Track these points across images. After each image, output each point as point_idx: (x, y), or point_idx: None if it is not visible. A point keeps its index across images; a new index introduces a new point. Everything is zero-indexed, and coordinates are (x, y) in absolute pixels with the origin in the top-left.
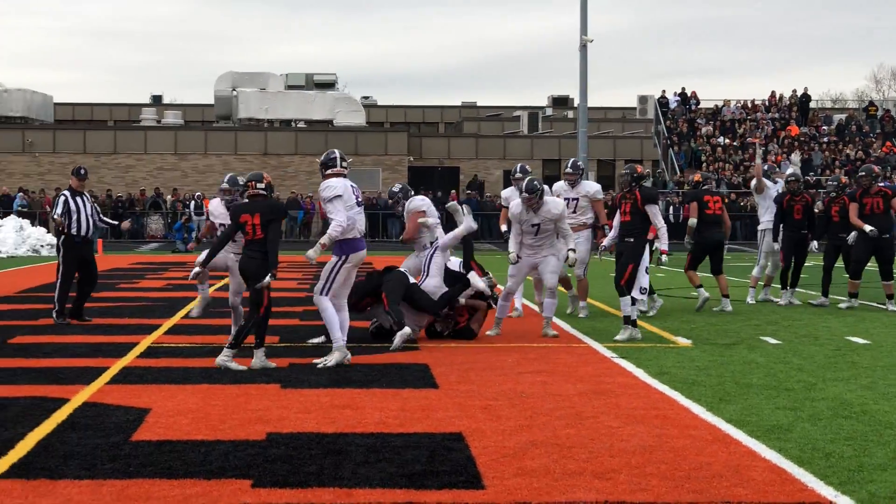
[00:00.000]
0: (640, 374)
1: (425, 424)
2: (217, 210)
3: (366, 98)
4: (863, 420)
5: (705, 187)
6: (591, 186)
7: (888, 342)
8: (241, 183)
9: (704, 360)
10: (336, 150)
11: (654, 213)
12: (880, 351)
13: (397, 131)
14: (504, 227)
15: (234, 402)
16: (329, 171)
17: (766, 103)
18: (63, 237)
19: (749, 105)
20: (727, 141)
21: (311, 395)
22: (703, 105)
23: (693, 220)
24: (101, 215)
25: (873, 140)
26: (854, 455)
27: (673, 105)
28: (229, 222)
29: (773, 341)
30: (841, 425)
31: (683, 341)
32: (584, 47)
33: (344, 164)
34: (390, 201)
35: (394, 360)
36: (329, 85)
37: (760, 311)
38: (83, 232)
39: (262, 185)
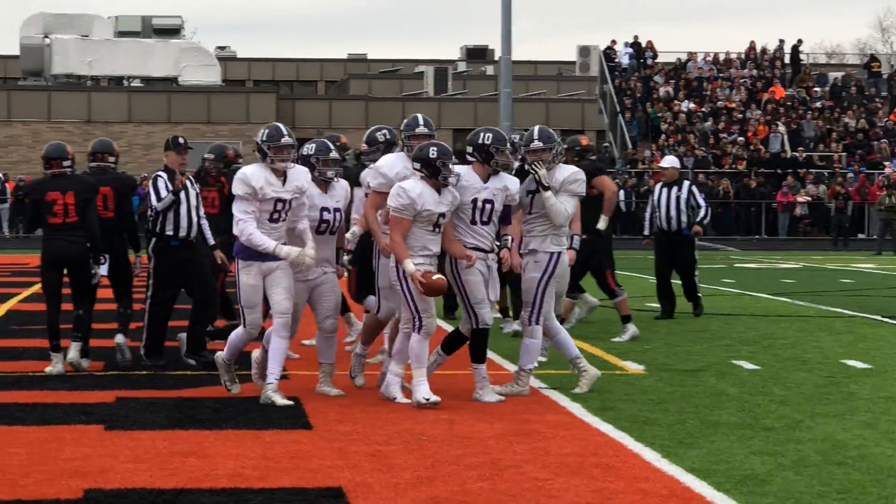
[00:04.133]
0: (576, 409)
1: (294, 477)
2: None
3: (221, 49)
4: (860, 467)
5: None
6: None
7: (894, 366)
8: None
9: (661, 391)
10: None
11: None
12: (884, 378)
13: (263, 92)
14: None
15: (40, 450)
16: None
17: (743, 57)
18: (155, 240)
19: (721, 59)
20: (693, 105)
21: (145, 440)
22: (662, 59)
23: None
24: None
25: (878, 105)
26: None
27: (624, 59)
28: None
29: (748, 366)
30: (833, 474)
31: (634, 367)
32: None
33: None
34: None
35: (254, 393)
36: (173, 31)
37: (734, 326)
38: (183, 232)
39: (68, 163)
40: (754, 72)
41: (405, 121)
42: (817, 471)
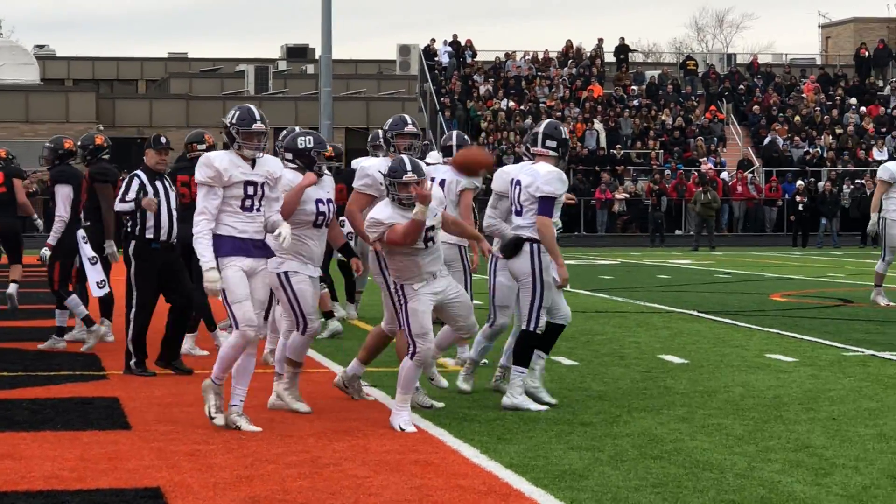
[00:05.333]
0: (395, 407)
1: (112, 478)
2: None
3: (40, 48)
4: (676, 461)
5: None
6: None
7: (709, 361)
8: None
9: (479, 388)
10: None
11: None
12: (699, 372)
13: (83, 91)
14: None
15: None
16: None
17: (562, 56)
18: (134, 243)
19: (540, 58)
20: (512, 104)
21: None
22: (481, 58)
23: None
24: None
25: (694, 103)
26: None
27: (443, 58)
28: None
29: (567, 362)
30: (649, 468)
31: (453, 364)
32: None
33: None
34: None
35: (72, 394)
36: None
37: None
38: (164, 235)
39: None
40: (573, 70)
41: (390, 121)
42: (634, 465)
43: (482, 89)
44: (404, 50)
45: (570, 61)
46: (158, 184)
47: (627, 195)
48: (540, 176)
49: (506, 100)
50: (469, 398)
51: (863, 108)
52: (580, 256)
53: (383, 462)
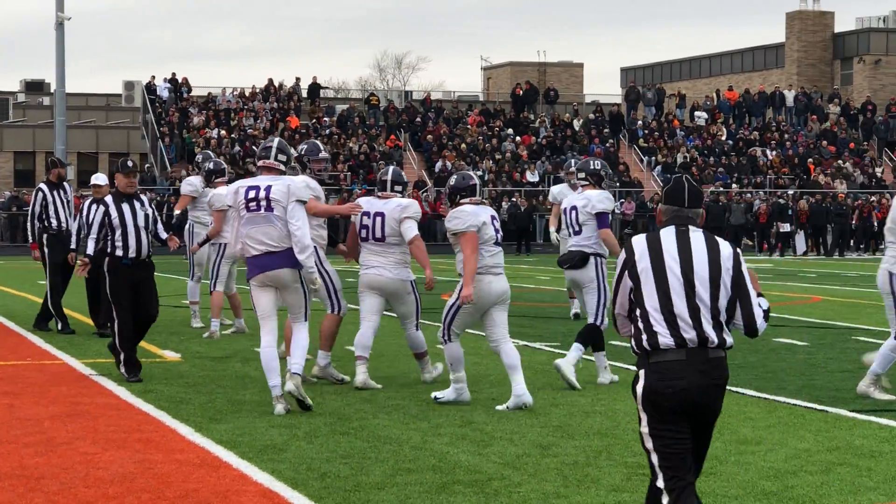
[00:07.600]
0: (121, 392)
1: None
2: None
3: None
4: (361, 436)
5: None
6: None
7: (389, 352)
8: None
9: (195, 375)
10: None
11: None
12: (381, 361)
13: None
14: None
15: None
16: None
17: (264, 92)
18: (107, 259)
19: (246, 93)
20: (223, 132)
21: None
22: (195, 93)
23: None
24: (159, 225)
25: (377, 132)
26: (351, 474)
27: (163, 92)
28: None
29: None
30: (338, 442)
31: (172, 355)
32: (60, 25)
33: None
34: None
35: None
36: None
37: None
38: (132, 252)
39: None
40: (274, 104)
41: (305, 146)
42: (326, 440)
43: (196, 120)
44: (129, 85)
45: (271, 96)
46: (125, 205)
47: None
48: (593, 197)
49: (217, 129)
50: (185, 385)
51: (518, 138)
52: None
53: (111, 440)
